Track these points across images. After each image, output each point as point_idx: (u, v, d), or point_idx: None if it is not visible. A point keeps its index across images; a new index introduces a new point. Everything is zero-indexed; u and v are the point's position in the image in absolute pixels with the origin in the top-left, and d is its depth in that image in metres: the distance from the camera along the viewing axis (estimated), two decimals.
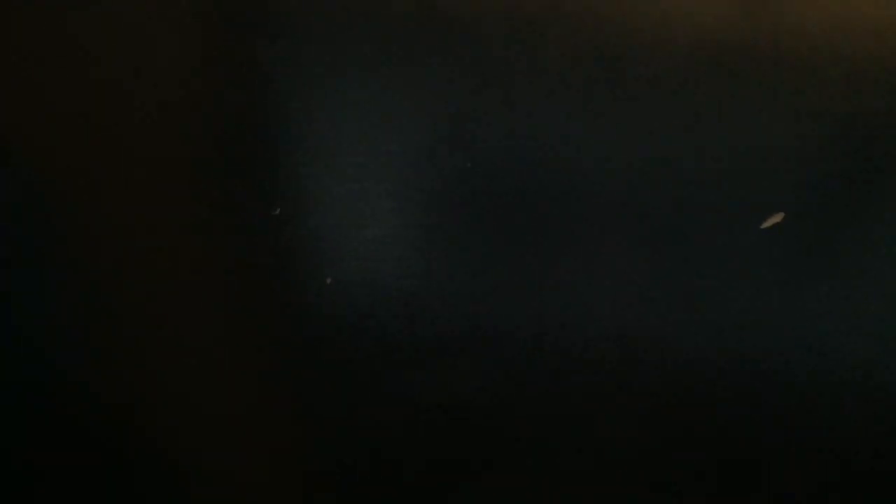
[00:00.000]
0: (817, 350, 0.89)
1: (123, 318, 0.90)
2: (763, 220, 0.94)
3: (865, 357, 0.89)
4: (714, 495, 0.84)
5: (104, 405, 0.87)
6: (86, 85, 1.02)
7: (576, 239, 0.94)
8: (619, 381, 0.87)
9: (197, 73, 1.03)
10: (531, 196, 0.96)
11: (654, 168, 0.98)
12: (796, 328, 0.90)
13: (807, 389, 0.88)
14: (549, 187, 0.97)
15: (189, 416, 0.86)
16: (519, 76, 1.03)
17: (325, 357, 0.88)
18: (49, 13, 1.05)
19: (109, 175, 0.97)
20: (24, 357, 0.88)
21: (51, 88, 1.02)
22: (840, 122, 1.00)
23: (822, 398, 0.87)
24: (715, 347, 0.89)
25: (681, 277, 0.92)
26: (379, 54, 1.04)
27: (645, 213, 0.95)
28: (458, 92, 1.02)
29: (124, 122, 1.00)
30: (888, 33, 1.05)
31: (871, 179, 0.97)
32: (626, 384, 0.87)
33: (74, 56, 1.03)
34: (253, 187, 0.96)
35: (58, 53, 1.03)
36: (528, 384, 0.87)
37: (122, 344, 0.89)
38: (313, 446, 0.85)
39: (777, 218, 0.94)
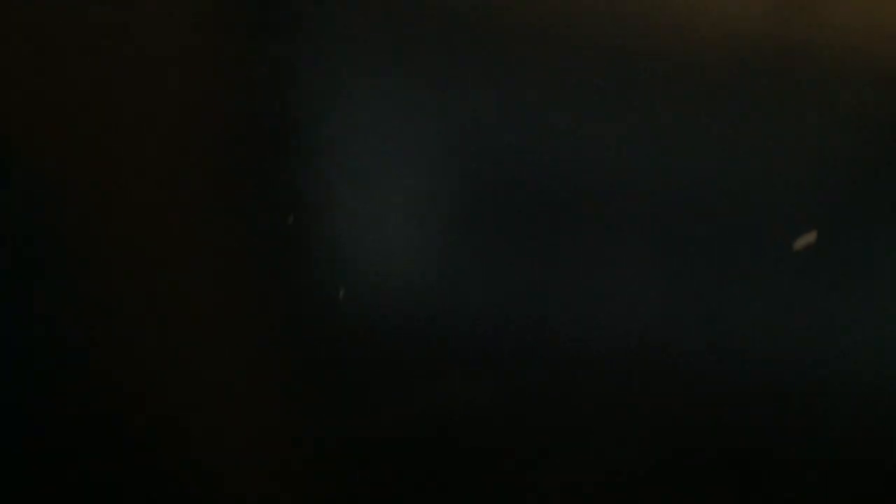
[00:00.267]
0: (836, 357, 0.88)
1: (133, 327, 0.91)
2: (792, 236, 0.92)
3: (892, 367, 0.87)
4: None
5: (117, 415, 0.87)
6: (93, 87, 1.02)
7: (598, 247, 0.93)
8: (638, 392, 0.87)
9: (210, 79, 1.04)
10: (550, 203, 0.95)
11: (674, 173, 0.96)
12: (818, 337, 0.89)
13: (825, 399, 0.86)
14: (571, 195, 0.95)
15: (200, 427, 0.87)
16: (536, 78, 1.02)
17: (339, 366, 0.89)
18: (49, 13, 1.06)
19: (119, 183, 0.97)
20: (27, 363, 0.89)
21: (70, 92, 1.02)
22: (872, 125, 0.99)
23: (837, 407, 0.86)
24: (738, 358, 0.88)
25: (700, 285, 0.90)
26: (393, 62, 1.04)
27: (664, 219, 0.93)
28: (476, 100, 1.01)
29: (132, 128, 1.00)
30: None
31: None
32: (643, 393, 0.87)
33: (84, 57, 1.04)
34: (266, 196, 0.97)
35: (66, 54, 1.04)
36: (546, 394, 0.87)
37: (132, 353, 0.89)
38: (325, 458, 0.85)
39: (810, 238, 0.91)
